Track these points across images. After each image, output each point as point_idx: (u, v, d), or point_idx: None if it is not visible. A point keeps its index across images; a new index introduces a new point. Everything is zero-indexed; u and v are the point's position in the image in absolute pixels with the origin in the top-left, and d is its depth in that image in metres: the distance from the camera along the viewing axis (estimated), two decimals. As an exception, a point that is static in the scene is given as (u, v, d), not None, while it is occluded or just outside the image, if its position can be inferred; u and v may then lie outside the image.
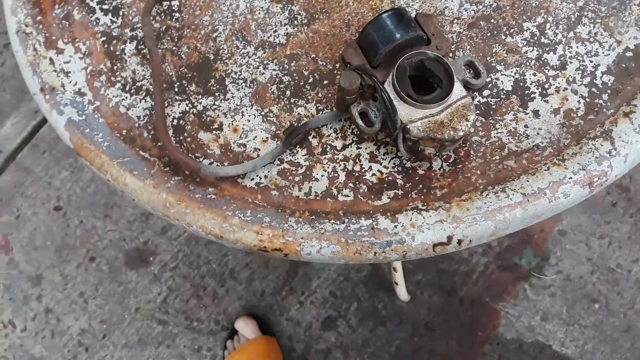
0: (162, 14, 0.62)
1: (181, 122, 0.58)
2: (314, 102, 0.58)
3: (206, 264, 1.31)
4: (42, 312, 1.29)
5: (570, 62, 0.56)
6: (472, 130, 0.55)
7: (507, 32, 0.58)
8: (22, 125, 1.43)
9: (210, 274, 1.30)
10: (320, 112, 0.57)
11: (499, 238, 1.30)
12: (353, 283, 1.29)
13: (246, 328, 1.21)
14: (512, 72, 0.56)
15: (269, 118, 0.58)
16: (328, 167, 0.55)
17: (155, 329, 1.27)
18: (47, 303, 1.30)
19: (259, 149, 0.57)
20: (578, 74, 0.55)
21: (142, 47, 0.61)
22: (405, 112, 0.51)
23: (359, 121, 0.53)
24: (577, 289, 1.26)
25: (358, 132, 0.56)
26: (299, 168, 0.56)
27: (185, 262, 1.31)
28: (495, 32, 0.58)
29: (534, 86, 0.56)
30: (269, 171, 0.56)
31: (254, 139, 0.57)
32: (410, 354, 1.23)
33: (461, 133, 0.50)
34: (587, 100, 0.55)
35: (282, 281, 1.29)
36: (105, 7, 0.62)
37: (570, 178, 0.51)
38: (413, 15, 0.55)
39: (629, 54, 0.56)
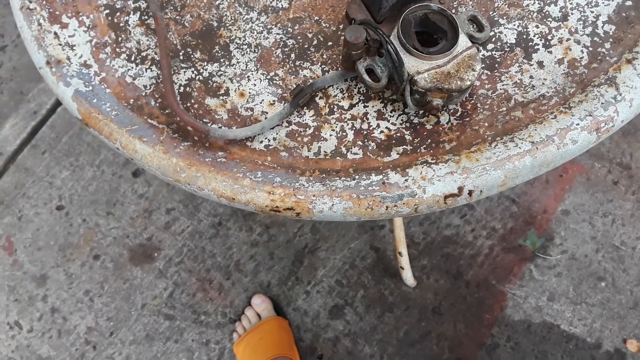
0: (165, -15, 0.62)
1: (187, 89, 0.58)
2: (319, 63, 0.58)
3: (211, 258, 1.30)
4: (48, 312, 1.28)
5: (572, 13, 0.57)
6: (477, 82, 0.55)
7: (508, -13, 0.58)
8: (22, 127, 1.43)
9: (215, 267, 1.30)
10: (326, 73, 0.57)
11: (503, 220, 1.31)
12: (358, 271, 1.28)
13: (261, 304, 1.21)
14: (514, 25, 0.57)
15: (275, 81, 0.58)
16: (336, 127, 0.56)
17: (163, 324, 1.26)
18: (52, 303, 1.29)
19: (267, 112, 0.57)
20: (580, 24, 0.56)
21: (146, 17, 0.61)
22: (411, 64, 0.51)
23: (366, 77, 0.53)
24: (582, 268, 1.26)
25: (364, 91, 0.57)
26: (307, 129, 0.56)
27: (190, 257, 1.31)
28: (496, -13, 0.58)
29: (537, 38, 0.56)
30: (277, 133, 0.56)
31: (261, 103, 0.57)
32: (419, 339, 1.23)
33: (468, 83, 0.51)
34: (590, 49, 0.55)
35: (288, 272, 1.29)
36: (107, -19, 0.63)
37: (578, 124, 0.51)
38: (414, -28, 0.56)
39: (629, 2, 0.56)
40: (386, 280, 1.27)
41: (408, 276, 1.24)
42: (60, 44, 0.60)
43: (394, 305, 1.25)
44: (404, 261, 1.21)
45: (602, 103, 0.52)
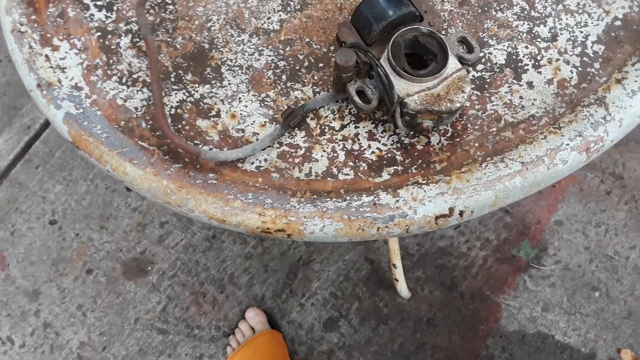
0: (156, 7, 0.62)
1: (179, 110, 0.58)
2: (311, 85, 0.58)
3: (205, 271, 1.30)
4: (40, 327, 1.28)
5: (561, 34, 0.57)
6: (467, 103, 0.55)
7: (498, 8, 0.59)
8: (15, 142, 1.43)
9: (209, 281, 1.29)
10: (317, 95, 0.58)
11: (497, 231, 1.31)
12: (353, 283, 1.28)
13: (255, 318, 1.21)
14: (504, 46, 0.57)
15: (266, 103, 0.58)
16: (327, 148, 0.56)
17: (156, 338, 1.25)
18: (45, 317, 1.28)
19: (258, 133, 0.57)
20: (569, 44, 0.57)
21: (137, 39, 0.61)
22: (402, 86, 0.51)
23: (357, 99, 0.54)
24: (576, 278, 1.26)
25: (355, 112, 0.57)
26: (299, 150, 0.56)
27: (184, 270, 1.30)
28: (485, 9, 0.59)
29: (527, 58, 0.57)
30: (268, 154, 0.56)
31: (252, 124, 0.57)
32: (414, 351, 1.23)
33: (458, 104, 0.51)
34: (580, 69, 0.56)
35: (282, 284, 1.29)
36: (99, 3, 0.63)
37: (568, 145, 0.52)
38: (404, -6, 0.56)
39: (618, 23, 0.57)
40: (381, 292, 1.27)
41: (402, 288, 1.24)
42: (51, 67, 0.60)
43: (388, 317, 1.25)
44: (399, 273, 1.21)
45: (591, 123, 0.52)
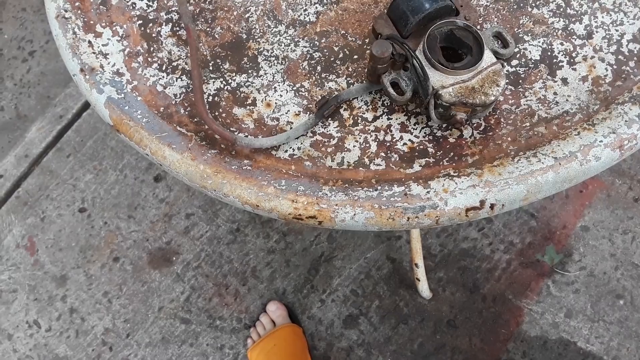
0: (196, -3, 0.64)
1: (216, 98, 0.60)
2: (345, 76, 0.59)
3: (228, 263, 1.32)
4: (66, 312, 1.31)
5: (597, 32, 0.57)
6: (501, 97, 0.56)
7: (534, 4, 0.59)
8: (48, 130, 1.46)
9: (232, 273, 1.31)
10: (351, 86, 0.59)
11: (521, 235, 1.30)
12: (374, 281, 1.29)
13: (276, 311, 1.22)
14: (539, 42, 0.58)
15: (301, 93, 0.59)
16: (360, 138, 0.57)
17: (179, 327, 1.27)
18: (71, 303, 1.31)
19: (292, 122, 0.58)
20: (604, 42, 0.57)
21: (178, 28, 0.63)
22: (436, 78, 0.52)
23: (391, 90, 0.54)
24: (601, 285, 1.25)
25: (388, 104, 0.58)
26: (331, 139, 0.57)
27: (208, 262, 1.32)
28: (521, 5, 0.59)
29: (562, 55, 0.57)
30: (302, 143, 0.57)
31: (286, 113, 0.59)
32: (433, 352, 1.22)
33: (492, 98, 0.51)
34: (615, 67, 0.56)
35: (303, 279, 1.30)
36: (140, -8, 0.65)
37: (601, 141, 0.52)
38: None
39: (655, 22, 0.57)
40: (402, 292, 1.27)
41: (424, 288, 1.24)
42: (94, 53, 0.62)
43: (408, 317, 1.25)
44: (420, 273, 1.21)
45: (625, 121, 0.52)
